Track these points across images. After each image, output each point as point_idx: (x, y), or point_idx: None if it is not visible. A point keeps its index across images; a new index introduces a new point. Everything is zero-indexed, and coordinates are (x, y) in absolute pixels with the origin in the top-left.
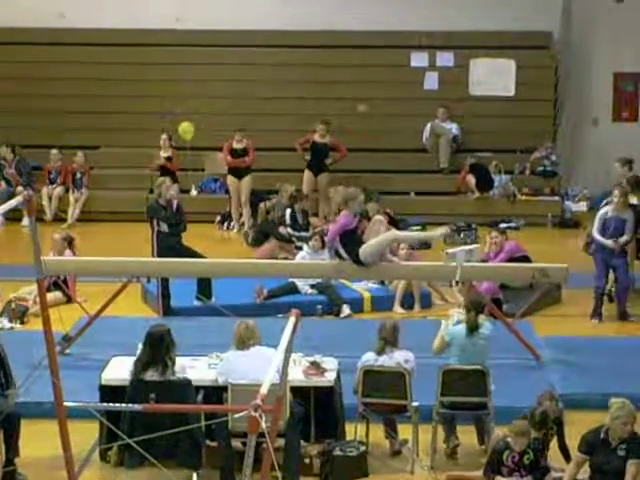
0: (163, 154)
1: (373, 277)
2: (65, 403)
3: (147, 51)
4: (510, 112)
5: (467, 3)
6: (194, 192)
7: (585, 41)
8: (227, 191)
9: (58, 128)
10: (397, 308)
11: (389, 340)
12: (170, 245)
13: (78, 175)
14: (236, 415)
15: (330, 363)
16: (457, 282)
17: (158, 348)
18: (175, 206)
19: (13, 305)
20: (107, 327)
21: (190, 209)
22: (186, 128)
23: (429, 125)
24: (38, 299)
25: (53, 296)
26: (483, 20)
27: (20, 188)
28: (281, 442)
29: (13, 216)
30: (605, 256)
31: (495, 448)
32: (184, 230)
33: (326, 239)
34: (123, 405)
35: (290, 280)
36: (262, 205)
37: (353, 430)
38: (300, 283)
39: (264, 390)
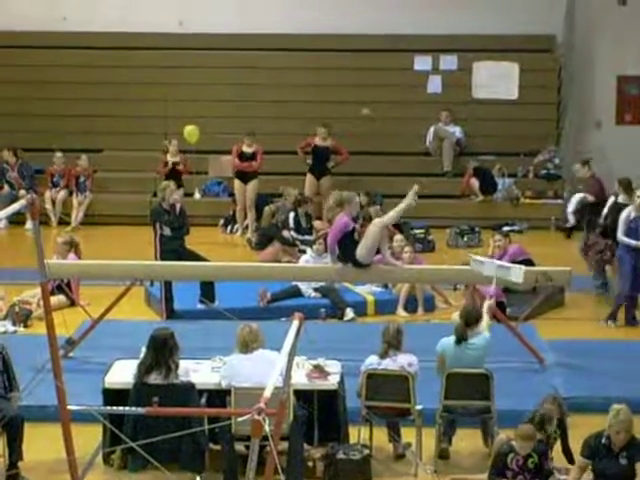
0: (172, 159)
1: (378, 280)
2: (68, 406)
3: (150, 54)
4: (513, 115)
5: (470, 7)
6: (198, 195)
7: (588, 44)
8: (231, 194)
9: (61, 131)
10: (400, 311)
11: (392, 343)
12: (173, 248)
13: (82, 178)
14: (239, 418)
15: (333, 366)
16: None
17: (161, 351)
18: (178, 210)
19: (17, 308)
20: (110, 330)
21: (193, 212)
22: (191, 131)
23: (432, 128)
24: (42, 302)
25: (57, 299)
26: (486, 23)
27: (23, 192)
28: (284, 445)
29: (16, 219)
30: (636, 258)
31: (499, 451)
32: (187, 234)
33: (328, 243)
34: (126, 408)
35: (293, 283)
36: (267, 208)
37: (356, 433)
38: (303, 286)
39: (267, 393)
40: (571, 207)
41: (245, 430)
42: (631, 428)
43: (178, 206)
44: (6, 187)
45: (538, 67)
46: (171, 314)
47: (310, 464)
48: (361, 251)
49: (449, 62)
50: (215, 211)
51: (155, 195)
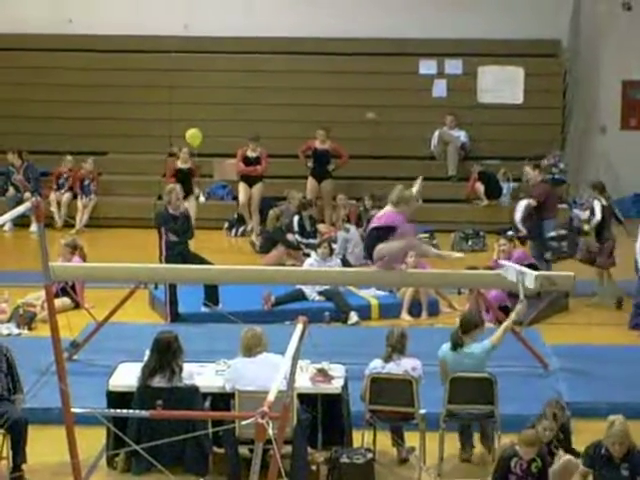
0: (182, 165)
1: (383, 284)
2: (72, 409)
3: (155, 58)
4: (518, 120)
5: (476, 11)
6: (202, 198)
7: (594, 49)
8: (235, 198)
9: (65, 134)
10: (404, 315)
11: (397, 347)
12: (178, 252)
13: (86, 181)
14: (243, 422)
15: (337, 370)
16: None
17: (166, 354)
18: (183, 213)
19: (21, 311)
20: (115, 333)
21: (198, 215)
22: (194, 135)
23: (437, 132)
24: (46, 305)
25: (61, 302)
26: (492, 28)
27: (28, 194)
28: (288, 449)
29: (21, 222)
30: None
31: (503, 456)
32: (191, 237)
33: (400, 230)
34: (130, 411)
35: (298, 287)
36: (271, 212)
37: (360, 437)
38: (308, 290)
39: (271, 397)
40: (518, 215)
41: (249, 433)
42: (627, 438)
43: (183, 209)
44: (11, 190)
45: (543, 72)
46: (175, 317)
47: (314, 468)
48: (382, 248)
49: (454, 66)
50: (220, 214)
51: (160, 198)
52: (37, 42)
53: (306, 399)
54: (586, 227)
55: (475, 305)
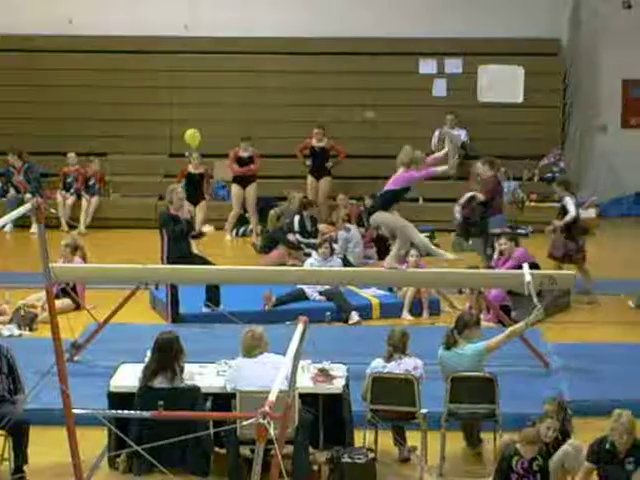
0: (194, 170)
1: (383, 284)
2: (74, 410)
3: (156, 58)
4: (518, 119)
5: (475, 10)
6: None
7: (594, 48)
8: None
9: (65, 135)
10: (406, 315)
11: (398, 347)
12: (180, 252)
13: (91, 181)
14: (244, 422)
15: (339, 370)
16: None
17: (167, 355)
18: (186, 219)
19: (22, 312)
20: (116, 334)
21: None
22: (193, 135)
23: (437, 131)
24: (47, 306)
25: (62, 303)
26: (492, 27)
27: (29, 195)
28: (290, 449)
29: (22, 223)
30: None
31: (504, 454)
32: (193, 238)
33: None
34: (132, 412)
35: (298, 287)
36: (272, 212)
37: (362, 437)
38: (308, 290)
39: (272, 397)
40: (458, 205)
41: (250, 434)
42: (634, 431)
43: (185, 210)
44: (12, 191)
45: (543, 71)
46: (176, 318)
47: (315, 468)
48: (382, 215)
49: (454, 66)
50: (220, 214)
51: (161, 198)
52: (37, 43)
53: (307, 399)
54: (557, 222)
55: (476, 304)
